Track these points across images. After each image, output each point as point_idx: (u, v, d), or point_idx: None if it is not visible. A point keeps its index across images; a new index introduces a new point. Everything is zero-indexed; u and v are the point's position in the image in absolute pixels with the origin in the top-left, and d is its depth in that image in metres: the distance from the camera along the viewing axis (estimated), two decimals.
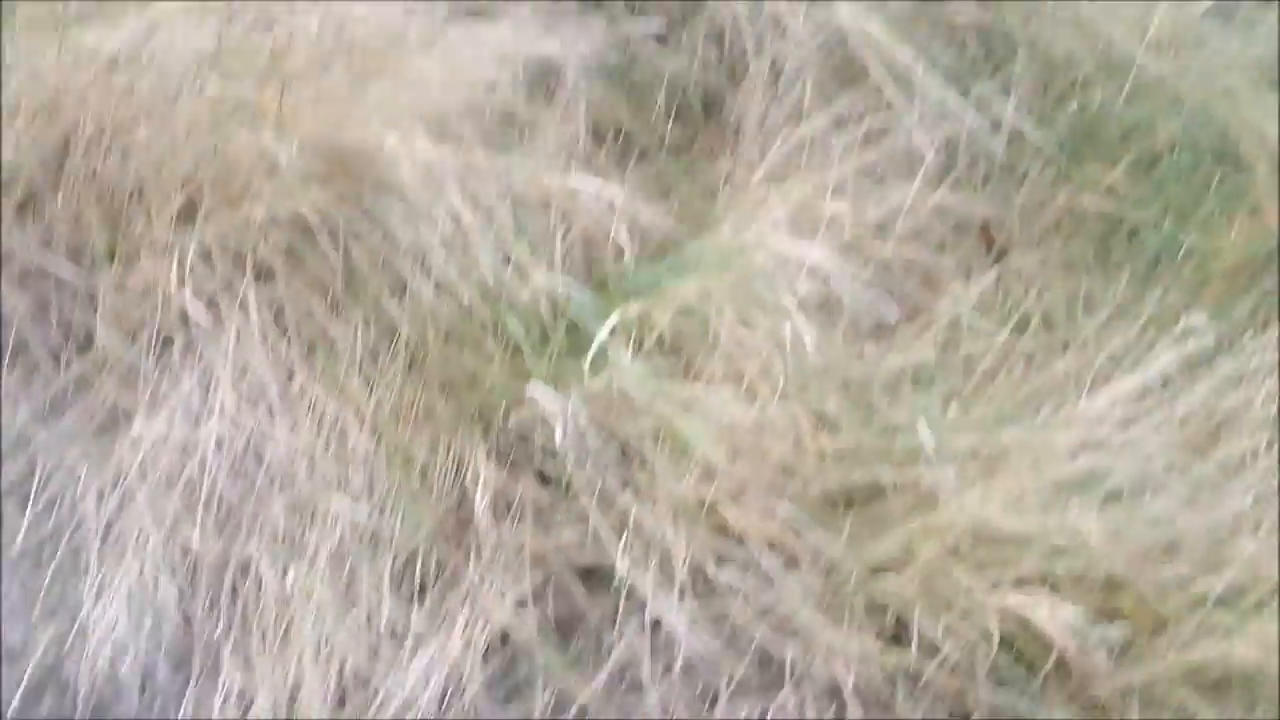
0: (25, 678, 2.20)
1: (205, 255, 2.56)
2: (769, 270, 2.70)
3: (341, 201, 2.74)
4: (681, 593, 2.37)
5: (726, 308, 2.66)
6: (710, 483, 2.46)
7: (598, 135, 3.19)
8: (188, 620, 2.29)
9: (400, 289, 2.70)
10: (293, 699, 2.22)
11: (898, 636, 2.36)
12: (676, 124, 3.33)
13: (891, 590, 2.36)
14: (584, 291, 2.71)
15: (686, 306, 2.67)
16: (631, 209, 2.87)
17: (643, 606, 2.35)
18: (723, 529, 2.45)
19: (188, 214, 2.57)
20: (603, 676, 2.34)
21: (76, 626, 2.28)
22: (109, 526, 2.35)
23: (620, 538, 2.41)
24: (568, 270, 2.81)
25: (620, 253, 2.86)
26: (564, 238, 2.88)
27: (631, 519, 2.40)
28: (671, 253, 2.89)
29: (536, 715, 2.29)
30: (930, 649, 2.29)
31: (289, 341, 2.58)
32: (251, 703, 2.22)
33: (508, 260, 2.75)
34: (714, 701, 2.37)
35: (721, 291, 2.67)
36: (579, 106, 3.16)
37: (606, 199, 2.88)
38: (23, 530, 2.39)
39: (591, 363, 2.55)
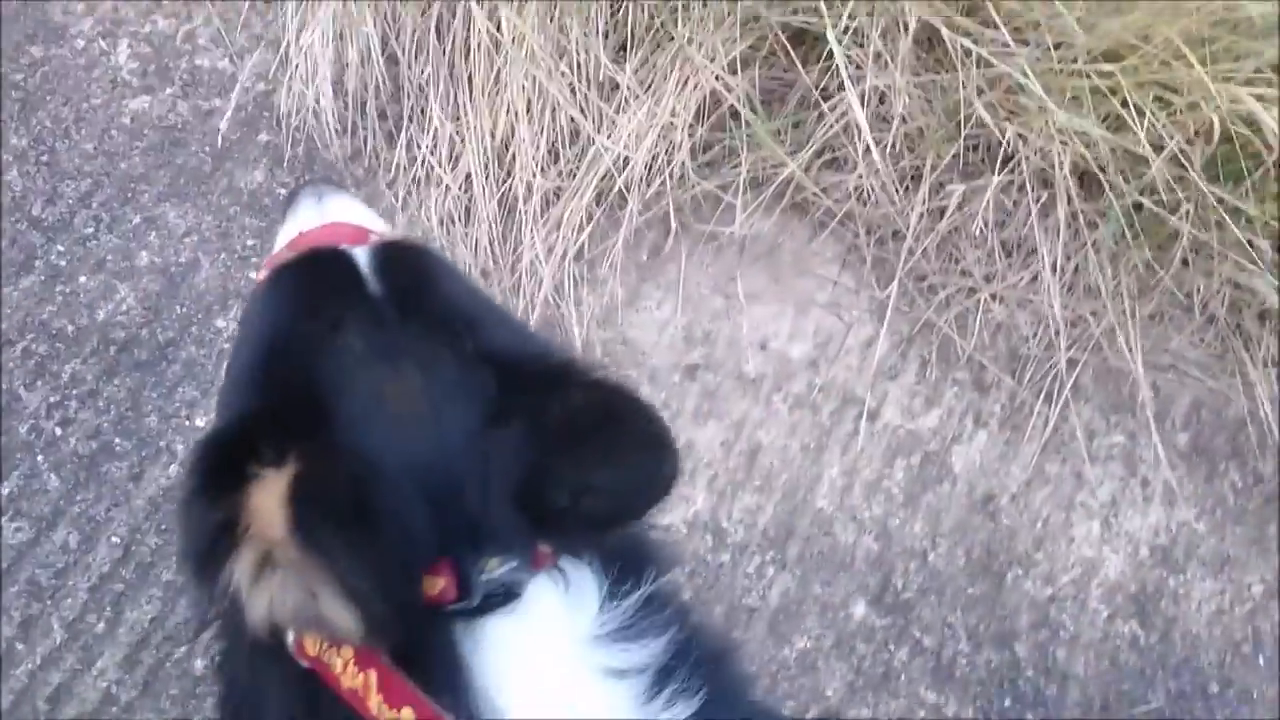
0: (234, 103, 2.11)
1: None
2: None
3: None
4: (902, 65, 2.17)
5: None
6: None
7: None
8: (393, 62, 2.14)
9: None
10: (504, 149, 2.13)
11: (1120, 124, 2.19)
12: None
13: (1121, 75, 2.14)
14: None
15: None
16: None
17: (857, 78, 2.16)
18: None
19: None
20: (808, 152, 2.22)
21: (279, 57, 2.15)
22: None
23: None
24: None
25: None
26: None
27: None
28: None
29: (741, 182, 2.20)
30: (1152, 138, 2.13)
31: None
32: (461, 151, 2.13)
33: None
34: (917, 181, 2.26)
35: None
36: None
37: None
38: None
39: None
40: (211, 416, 1.84)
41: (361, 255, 1.01)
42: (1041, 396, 2.17)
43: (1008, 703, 1.88)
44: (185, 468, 0.83)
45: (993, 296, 2.24)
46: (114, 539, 1.73)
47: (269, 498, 0.78)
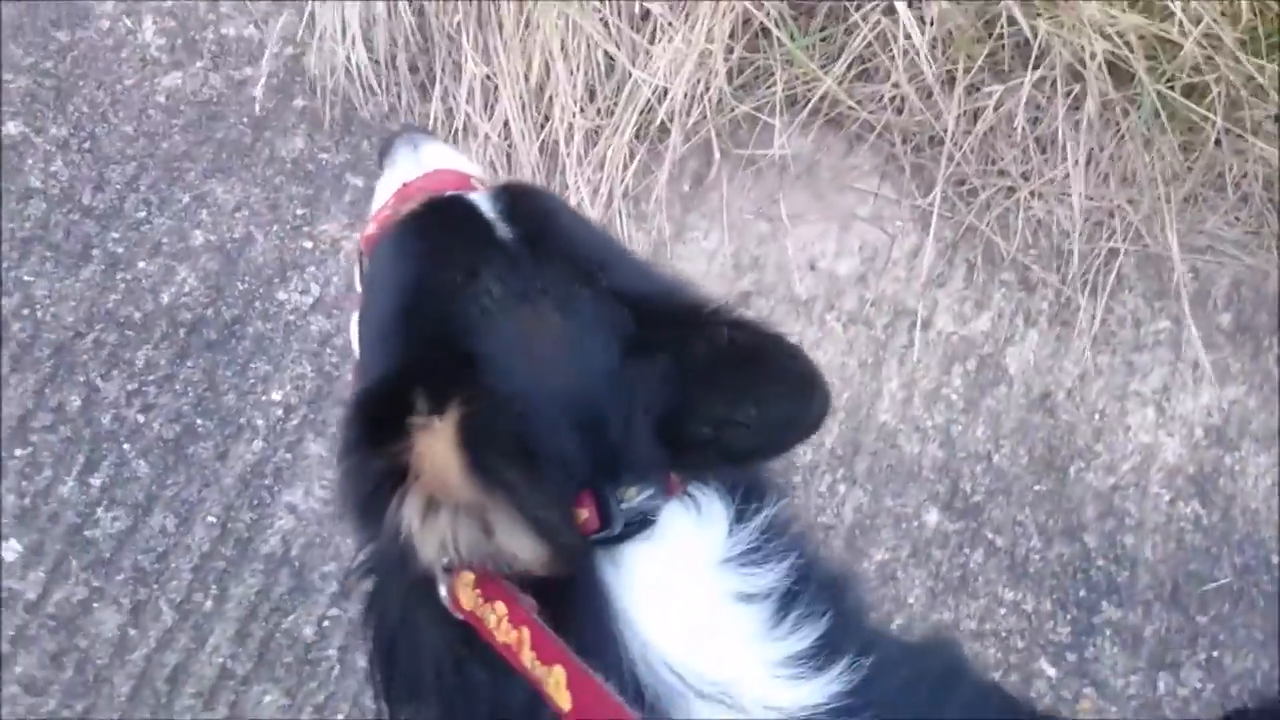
0: (265, 70, 2.03)
1: None
2: None
3: None
4: None
5: None
6: None
7: None
8: (420, 13, 2.06)
9: None
10: (540, 91, 2.07)
11: (1148, 7, 2.13)
12: None
13: None
14: None
15: None
16: None
17: None
18: None
19: None
20: (841, 65, 2.16)
21: (305, 18, 2.07)
22: None
23: None
24: None
25: None
26: None
27: None
28: None
29: (778, 102, 2.14)
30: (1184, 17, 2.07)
31: None
32: (497, 97, 2.07)
33: None
34: (950, 85, 2.20)
35: None
36: None
37: None
38: None
39: None
40: (287, 389, 1.82)
41: (482, 200, 0.98)
42: (1087, 290, 2.13)
43: (1082, 593, 1.88)
44: (343, 422, 0.85)
45: (1032, 194, 2.20)
46: (209, 518, 1.71)
47: (437, 443, 0.80)
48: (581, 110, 2.04)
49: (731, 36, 2.10)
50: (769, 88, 2.14)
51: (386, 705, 0.99)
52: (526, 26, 2.03)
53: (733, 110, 2.12)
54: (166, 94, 2.00)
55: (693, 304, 0.93)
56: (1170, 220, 2.18)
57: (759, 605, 0.87)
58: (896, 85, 2.16)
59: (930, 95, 2.17)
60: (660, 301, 0.92)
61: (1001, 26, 2.13)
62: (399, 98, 2.07)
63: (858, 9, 2.13)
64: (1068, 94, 2.18)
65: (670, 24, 2.05)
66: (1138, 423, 2.06)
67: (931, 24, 2.12)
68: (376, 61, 2.05)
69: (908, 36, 2.11)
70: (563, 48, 2.03)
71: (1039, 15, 2.12)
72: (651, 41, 2.06)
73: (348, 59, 2.03)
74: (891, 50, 2.14)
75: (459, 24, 2.05)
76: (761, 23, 2.10)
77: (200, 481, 1.73)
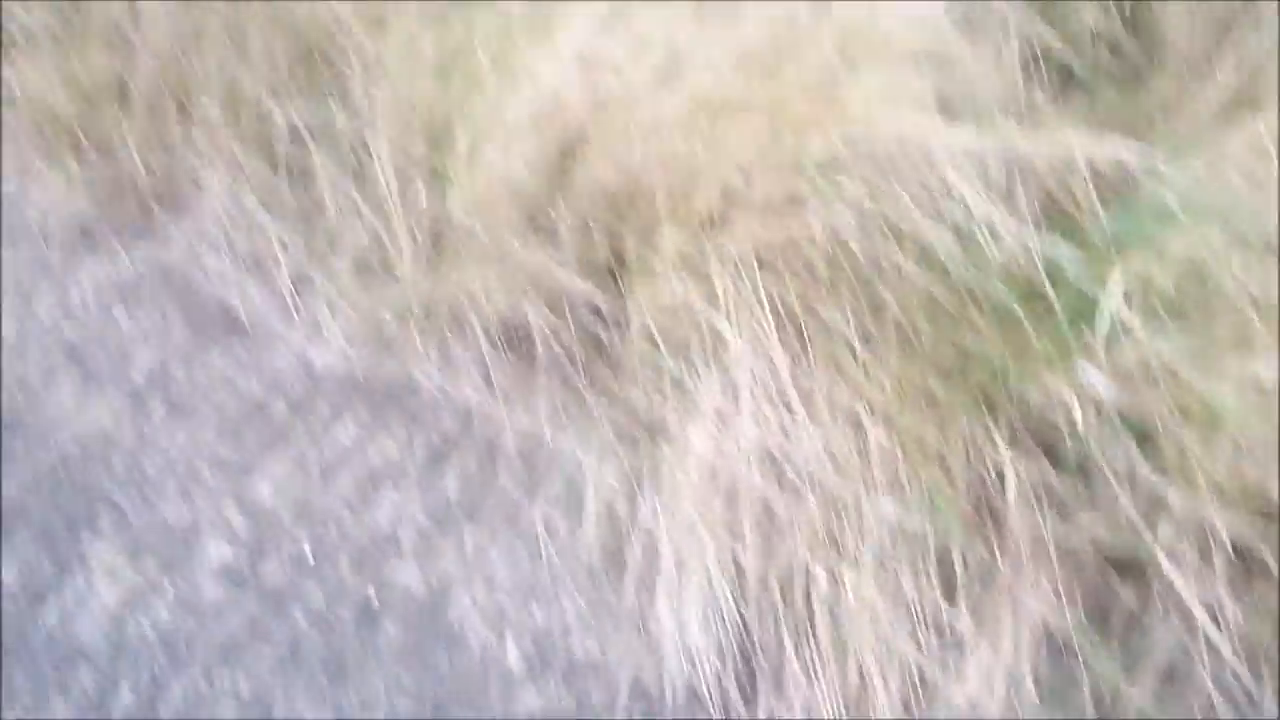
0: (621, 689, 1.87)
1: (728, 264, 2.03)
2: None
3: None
4: (1226, 581, 1.81)
5: (1232, 258, 1.98)
6: (1248, 457, 1.85)
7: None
8: (745, 627, 1.90)
9: (878, 264, 2.14)
10: (858, 703, 1.82)
11: None
12: (1100, 46, 2.58)
13: None
14: (1066, 248, 2.06)
15: (1187, 259, 2.00)
16: (1088, 150, 2.19)
17: (1182, 596, 1.81)
18: (1266, 509, 1.85)
19: (708, 223, 2.04)
20: (1150, 677, 1.84)
21: (650, 638, 1.91)
22: (660, 537, 1.95)
23: (1153, 523, 1.86)
24: (1033, 225, 2.16)
25: (1077, 200, 2.19)
26: (1024, 188, 2.23)
27: (1166, 503, 1.84)
28: (1135, 193, 2.18)
29: (1090, 716, 1.82)
30: None
31: (784, 331, 2.08)
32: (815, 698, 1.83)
33: (970, 219, 2.13)
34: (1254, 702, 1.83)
35: (1222, 238, 1.99)
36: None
37: (1062, 142, 2.20)
38: (586, 542, 2.03)
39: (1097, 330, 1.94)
40: None
41: None
42: None
43: None
44: None
45: None
46: None
47: None
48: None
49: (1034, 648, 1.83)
50: (1075, 697, 1.83)
51: None
52: (841, 639, 1.81)
53: None
54: (527, 714, 1.83)
55: None
56: None
57: None
58: (1208, 694, 1.81)
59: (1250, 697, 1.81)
60: None
61: None
62: (726, 711, 1.84)
63: (1153, 616, 1.83)
64: None
65: (972, 641, 1.80)
66: None
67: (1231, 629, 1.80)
68: (702, 677, 1.85)
69: (1211, 644, 1.79)
70: (878, 663, 1.79)
71: None
72: (960, 658, 1.81)
73: (687, 676, 1.85)
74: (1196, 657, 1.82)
75: (781, 641, 1.85)
76: (1060, 634, 1.83)
77: None
